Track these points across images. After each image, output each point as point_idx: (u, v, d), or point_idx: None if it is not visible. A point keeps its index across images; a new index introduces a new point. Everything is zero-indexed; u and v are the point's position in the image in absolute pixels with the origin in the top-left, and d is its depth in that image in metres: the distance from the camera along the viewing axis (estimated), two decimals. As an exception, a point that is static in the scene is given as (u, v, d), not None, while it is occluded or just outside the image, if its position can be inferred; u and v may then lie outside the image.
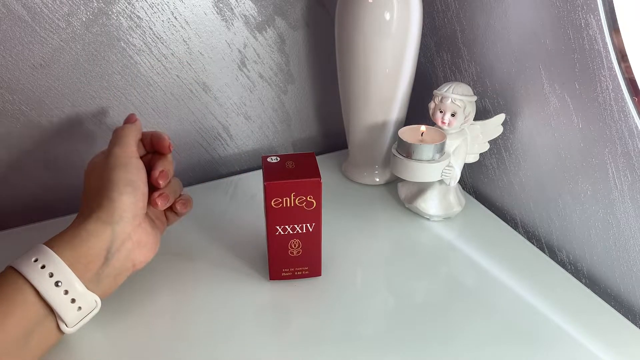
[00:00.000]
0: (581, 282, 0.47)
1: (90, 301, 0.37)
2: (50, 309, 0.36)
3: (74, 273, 0.36)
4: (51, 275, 0.35)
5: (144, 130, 0.47)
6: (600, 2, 0.41)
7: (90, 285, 0.37)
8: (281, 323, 0.43)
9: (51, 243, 0.37)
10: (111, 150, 0.42)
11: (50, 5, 0.49)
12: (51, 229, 0.41)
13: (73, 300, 0.36)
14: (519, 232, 0.55)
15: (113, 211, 0.39)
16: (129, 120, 0.47)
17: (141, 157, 0.45)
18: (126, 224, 0.40)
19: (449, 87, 0.51)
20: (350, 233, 0.53)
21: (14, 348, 0.34)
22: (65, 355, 0.39)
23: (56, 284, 0.35)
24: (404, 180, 0.55)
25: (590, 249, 0.49)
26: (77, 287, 0.36)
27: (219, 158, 0.66)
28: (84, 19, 0.51)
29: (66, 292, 0.36)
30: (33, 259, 0.36)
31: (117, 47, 0.54)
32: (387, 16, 0.51)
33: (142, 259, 0.42)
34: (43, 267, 0.35)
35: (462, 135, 0.53)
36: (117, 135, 0.44)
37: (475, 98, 0.51)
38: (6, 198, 0.56)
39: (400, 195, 0.57)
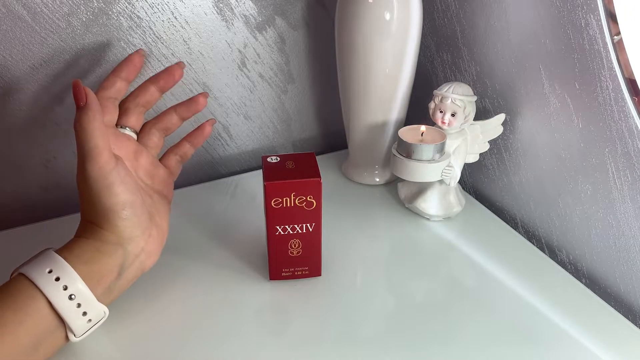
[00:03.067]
0: (581, 282, 0.47)
1: (100, 312, 0.38)
2: (61, 319, 0.36)
3: (87, 286, 0.36)
4: (65, 288, 0.35)
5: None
6: (600, 2, 0.41)
7: (101, 297, 0.38)
8: (281, 323, 0.43)
9: (63, 255, 0.37)
10: (84, 168, 0.37)
11: (50, 5, 0.49)
12: (51, 229, 0.41)
13: (85, 313, 0.36)
14: (519, 232, 0.55)
15: (121, 235, 0.39)
16: (78, 98, 0.36)
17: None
18: (139, 241, 0.40)
19: (449, 87, 0.51)
20: (350, 233, 0.53)
21: (23, 356, 0.34)
22: (65, 353, 0.39)
23: (70, 297, 0.35)
24: (404, 180, 0.55)
25: (590, 249, 0.49)
26: (90, 300, 0.36)
27: (219, 158, 0.66)
28: (84, 19, 0.51)
29: (79, 305, 0.36)
30: (47, 270, 0.35)
31: (117, 47, 0.54)
32: (387, 16, 0.51)
33: (151, 263, 0.42)
34: (57, 279, 0.35)
35: (462, 135, 0.53)
36: (81, 140, 0.36)
37: (475, 98, 0.51)
38: (7, 197, 0.56)
39: (400, 195, 0.57)
